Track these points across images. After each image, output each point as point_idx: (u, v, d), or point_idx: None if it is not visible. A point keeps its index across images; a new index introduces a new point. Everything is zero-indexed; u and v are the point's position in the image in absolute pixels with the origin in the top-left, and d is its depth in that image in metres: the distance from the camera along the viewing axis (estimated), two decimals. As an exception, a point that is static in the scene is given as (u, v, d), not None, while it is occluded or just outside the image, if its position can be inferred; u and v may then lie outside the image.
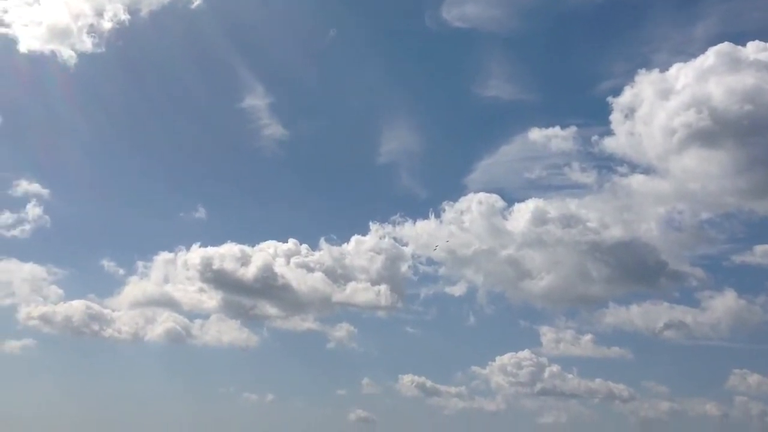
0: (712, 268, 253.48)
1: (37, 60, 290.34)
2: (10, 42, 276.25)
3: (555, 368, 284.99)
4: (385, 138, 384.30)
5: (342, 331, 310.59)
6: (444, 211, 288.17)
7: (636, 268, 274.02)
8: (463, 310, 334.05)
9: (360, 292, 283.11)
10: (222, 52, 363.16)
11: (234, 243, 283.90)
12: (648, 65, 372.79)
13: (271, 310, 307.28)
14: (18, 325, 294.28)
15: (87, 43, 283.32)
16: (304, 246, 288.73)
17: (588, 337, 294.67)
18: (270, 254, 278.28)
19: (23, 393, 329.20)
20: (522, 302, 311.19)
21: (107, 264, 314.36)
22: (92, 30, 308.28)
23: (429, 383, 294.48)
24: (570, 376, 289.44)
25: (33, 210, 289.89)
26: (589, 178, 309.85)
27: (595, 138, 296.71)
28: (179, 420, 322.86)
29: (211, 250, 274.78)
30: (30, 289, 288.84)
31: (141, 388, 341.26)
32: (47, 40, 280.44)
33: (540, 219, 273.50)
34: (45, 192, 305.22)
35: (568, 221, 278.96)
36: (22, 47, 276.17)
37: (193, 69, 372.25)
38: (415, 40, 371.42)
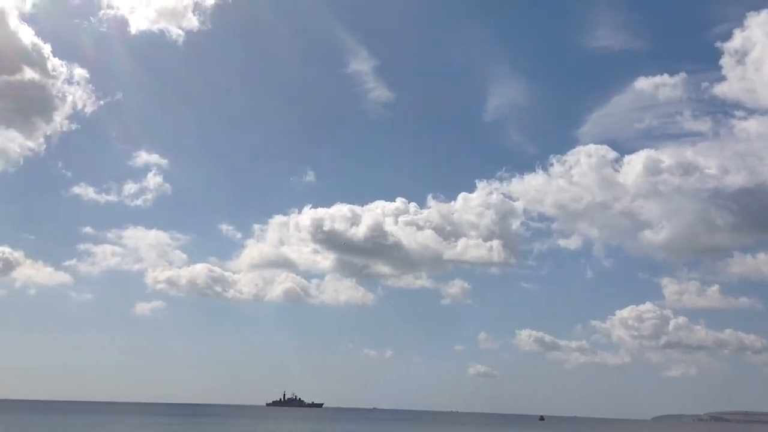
0: None
1: (147, 39, 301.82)
2: (121, 23, 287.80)
3: (680, 320, 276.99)
4: (492, 95, 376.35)
5: (456, 287, 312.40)
6: (552, 165, 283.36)
7: (762, 215, 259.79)
8: (579, 264, 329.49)
9: (471, 249, 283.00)
10: (325, 19, 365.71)
11: (344, 204, 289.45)
12: (758, 7, 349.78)
13: (383, 268, 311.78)
14: (147, 288, 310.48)
15: (193, 21, 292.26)
16: (413, 204, 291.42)
17: (714, 287, 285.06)
18: (379, 213, 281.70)
19: (157, 352, 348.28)
20: (641, 254, 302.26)
21: (226, 228, 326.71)
22: (197, 8, 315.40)
23: (548, 338, 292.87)
24: (697, 327, 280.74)
25: (153, 179, 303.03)
26: (703, 125, 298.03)
27: (705, 84, 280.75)
28: (303, 375, 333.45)
29: (321, 211, 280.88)
30: (156, 254, 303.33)
31: (264, 346, 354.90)
32: (155, 20, 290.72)
33: (654, 169, 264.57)
34: (164, 162, 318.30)
35: (685, 169, 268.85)
36: (133, 28, 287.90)
37: (297, 38, 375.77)
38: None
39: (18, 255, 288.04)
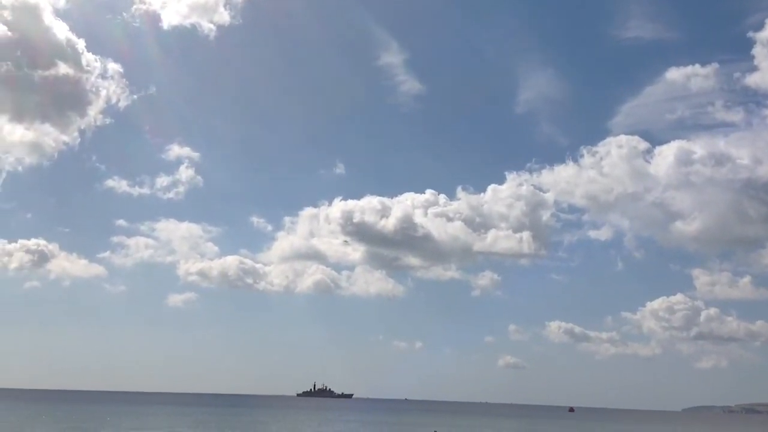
0: None
1: (179, 34, 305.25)
2: (153, 18, 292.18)
3: (712, 311, 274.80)
4: (523, 86, 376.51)
5: (485, 279, 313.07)
6: (582, 156, 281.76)
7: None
8: (610, 255, 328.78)
9: (501, 240, 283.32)
10: (355, 12, 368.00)
11: (373, 196, 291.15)
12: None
13: (413, 260, 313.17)
14: (179, 280, 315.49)
15: (224, 16, 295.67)
16: (442, 196, 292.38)
17: (746, 279, 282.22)
18: (409, 205, 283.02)
19: (188, 343, 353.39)
20: (672, 245, 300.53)
21: (257, 220, 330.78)
22: (228, 3, 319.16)
23: (578, 329, 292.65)
24: (729, 319, 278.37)
25: (186, 172, 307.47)
26: (735, 115, 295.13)
27: (737, 75, 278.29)
28: (333, 366, 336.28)
29: (351, 203, 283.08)
30: (188, 246, 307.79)
31: (295, 337, 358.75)
32: (187, 15, 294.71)
33: (685, 159, 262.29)
34: (195, 155, 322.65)
35: (717, 160, 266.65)
36: (165, 23, 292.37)
37: (327, 31, 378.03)
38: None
39: (53, 247, 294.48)
